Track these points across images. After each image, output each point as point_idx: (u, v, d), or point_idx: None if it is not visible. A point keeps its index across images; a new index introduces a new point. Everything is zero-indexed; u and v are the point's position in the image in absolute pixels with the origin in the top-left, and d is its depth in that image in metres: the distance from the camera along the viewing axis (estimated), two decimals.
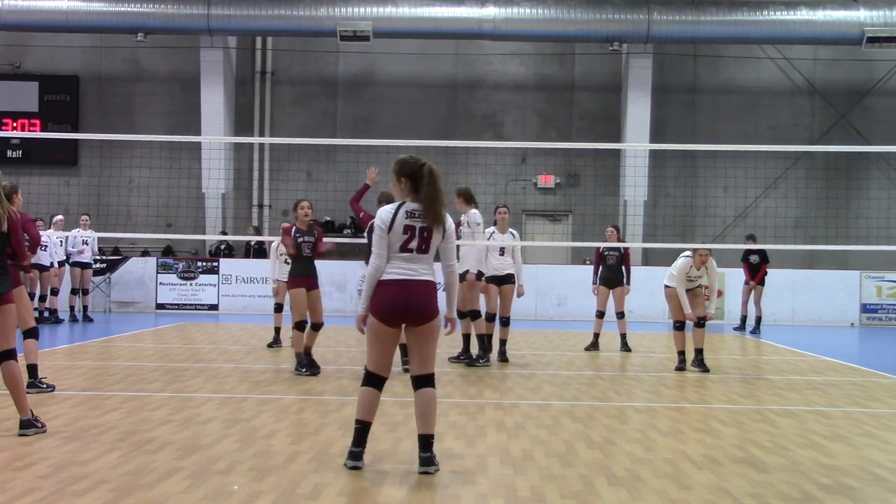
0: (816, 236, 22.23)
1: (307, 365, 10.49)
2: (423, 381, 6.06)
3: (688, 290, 11.55)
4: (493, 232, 11.95)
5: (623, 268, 13.85)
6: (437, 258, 6.15)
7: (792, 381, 11.05)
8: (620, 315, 13.83)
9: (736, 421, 8.21)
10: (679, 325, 11.63)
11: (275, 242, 13.41)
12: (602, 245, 14.07)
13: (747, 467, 6.39)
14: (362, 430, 6.09)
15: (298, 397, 9.01)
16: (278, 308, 13.34)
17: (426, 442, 6.03)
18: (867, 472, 6.36)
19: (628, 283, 13.91)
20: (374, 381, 6.09)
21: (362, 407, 6.09)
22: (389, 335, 6.03)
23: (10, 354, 6.93)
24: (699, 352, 11.62)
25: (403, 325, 6.03)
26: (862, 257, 21.33)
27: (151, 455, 6.34)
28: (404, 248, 5.98)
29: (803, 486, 5.91)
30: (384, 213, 6.04)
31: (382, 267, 6.00)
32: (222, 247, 22.04)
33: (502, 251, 11.86)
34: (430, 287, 6.02)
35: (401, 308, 5.95)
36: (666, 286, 11.65)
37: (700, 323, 11.58)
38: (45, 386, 8.83)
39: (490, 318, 11.95)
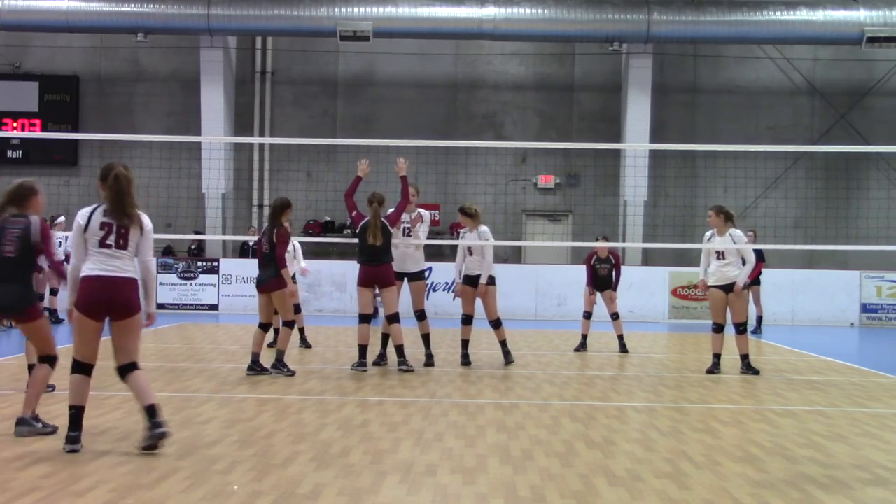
0: (816, 236, 22.22)
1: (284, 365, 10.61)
2: (128, 369, 6.51)
3: (728, 291, 11.33)
4: (466, 231, 11.87)
5: (614, 273, 13.73)
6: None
7: (792, 381, 11.04)
8: (615, 317, 13.78)
9: (736, 421, 8.21)
10: (717, 328, 11.49)
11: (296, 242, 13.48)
12: (593, 245, 13.93)
13: (747, 467, 6.39)
14: (76, 415, 6.44)
15: (298, 397, 9.02)
16: (297, 309, 13.38)
17: (152, 410, 6.41)
18: (867, 472, 6.36)
19: (615, 289, 13.72)
20: (82, 368, 6.51)
21: (74, 393, 6.48)
22: (92, 327, 6.46)
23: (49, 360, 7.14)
24: (744, 357, 11.49)
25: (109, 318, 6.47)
26: (862, 257, 21.32)
27: (151, 455, 6.34)
28: (102, 244, 6.44)
29: (803, 486, 5.91)
30: (80, 214, 6.53)
31: (79, 266, 6.50)
32: (192, 247, 21.94)
33: (471, 251, 11.81)
34: (131, 283, 6.48)
35: (103, 303, 6.42)
36: (709, 286, 11.51)
37: (741, 329, 11.48)
38: (44, 386, 8.81)
39: (465, 320, 11.88)
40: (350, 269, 19.90)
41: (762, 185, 22.66)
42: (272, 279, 10.62)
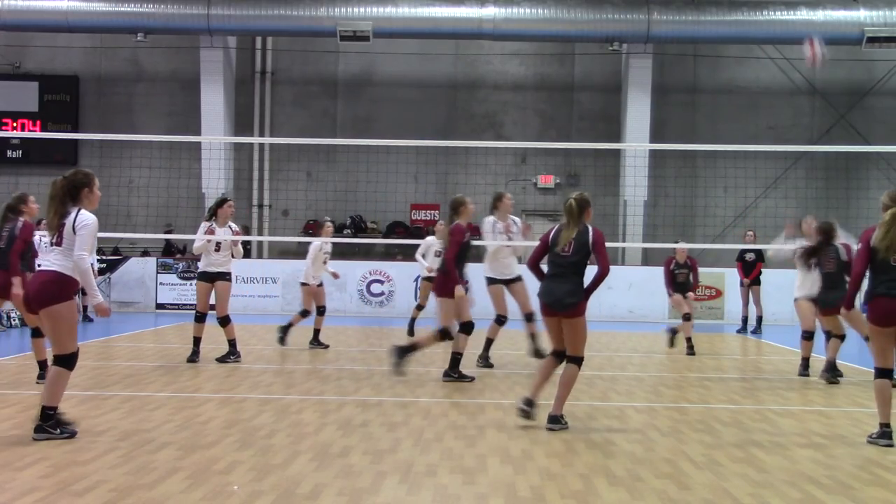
0: None
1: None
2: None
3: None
4: (496, 223, 11.84)
5: (691, 277, 14.08)
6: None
7: (792, 381, 11.05)
8: (687, 318, 13.79)
9: (736, 421, 8.21)
10: (807, 336, 11.41)
11: (317, 242, 13.33)
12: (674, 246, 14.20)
13: (747, 467, 6.39)
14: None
15: (298, 397, 9.02)
16: (305, 314, 13.30)
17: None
18: (867, 472, 6.36)
19: (696, 283, 14.19)
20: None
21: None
22: None
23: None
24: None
25: None
26: None
27: (151, 455, 6.34)
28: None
29: (803, 486, 5.91)
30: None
31: None
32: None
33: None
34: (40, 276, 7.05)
35: None
36: (795, 299, 11.48)
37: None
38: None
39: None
40: (350, 269, 19.95)
41: (762, 185, 22.66)
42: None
